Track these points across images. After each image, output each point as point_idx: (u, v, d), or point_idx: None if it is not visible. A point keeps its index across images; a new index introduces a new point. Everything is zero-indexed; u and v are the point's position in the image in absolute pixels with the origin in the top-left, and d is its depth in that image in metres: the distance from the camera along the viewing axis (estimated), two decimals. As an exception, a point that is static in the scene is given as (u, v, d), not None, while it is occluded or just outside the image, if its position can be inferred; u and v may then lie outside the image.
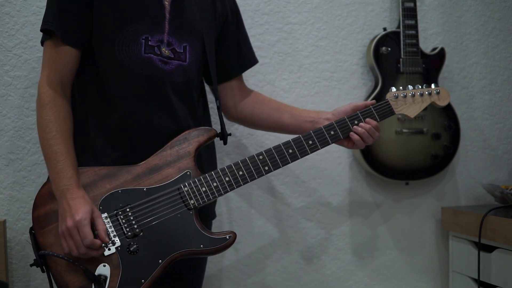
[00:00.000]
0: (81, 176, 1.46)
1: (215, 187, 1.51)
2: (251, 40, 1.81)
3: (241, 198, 2.12)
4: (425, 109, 2.13)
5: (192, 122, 1.59)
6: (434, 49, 2.24)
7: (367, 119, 1.60)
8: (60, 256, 1.40)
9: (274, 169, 1.54)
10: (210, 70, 1.64)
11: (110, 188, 1.47)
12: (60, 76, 1.49)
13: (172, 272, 1.52)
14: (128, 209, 1.46)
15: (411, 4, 2.16)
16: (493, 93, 2.42)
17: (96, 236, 1.41)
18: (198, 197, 1.49)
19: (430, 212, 2.34)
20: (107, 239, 1.42)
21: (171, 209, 1.47)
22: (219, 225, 2.08)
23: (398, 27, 2.17)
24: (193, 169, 1.51)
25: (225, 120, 1.84)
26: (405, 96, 1.65)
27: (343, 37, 2.22)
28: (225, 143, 1.68)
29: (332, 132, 1.58)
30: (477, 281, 2.07)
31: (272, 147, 1.55)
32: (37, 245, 1.45)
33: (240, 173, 1.52)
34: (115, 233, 1.44)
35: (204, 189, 1.50)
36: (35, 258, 1.44)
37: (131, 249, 1.43)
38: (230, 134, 1.69)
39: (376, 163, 2.17)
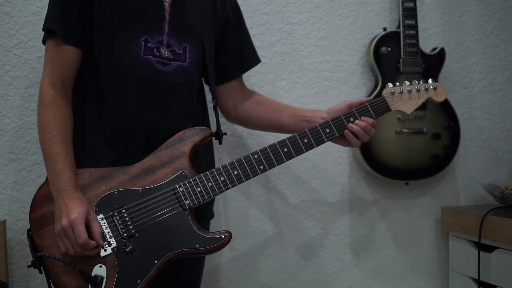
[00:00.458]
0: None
1: (210, 187, 1.50)
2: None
3: (241, 198, 2.12)
4: (425, 109, 2.17)
5: (191, 123, 1.58)
6: (434, 49, 2.24)
7: (363, 117, 1.59)
8: (57, 258, 1.41)
9: (269, 168, 1.54)
10: (208, 70, 1.64)
11: (106, 189, 1.47)
12: (62, 75, 1.49)
13: (170, 271, 1.53)
14: (123, 210, 1.46)
15: (411, 4, 2.16)
16: (493, 93, 2.42)
17: (91, 238, 1.41)
18: (194, 197, 1.49)
19: (430, 212, 2.34)
20: (101, 242, 1.42)
21: (166, 210, 1.48)
22: (219, 225, 2.08)
23: (398, 27, 2.17)
24: (188, 169, 1.51)
25: (225, 120, 1.85)
26: (401, 92, 1.64)
27: (343, 37, 2.22)
28: (220, 142, 1.68)
29: (327, 130, 1.58)
30: (477, 281, 2.07)
31: (267, 146, 1.55)
32: (34, 247, 1.45)
33: (235, 172, 1.52)
34: (111, 234, 1.44)
35: (199, 189, 1.50)
36: (32, 259, 1.45)
37: (127, 249, 1.44)
38: (225, 134, 1.69)
39: (376, 163, 2.17)
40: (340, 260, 2.24)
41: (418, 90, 1.65)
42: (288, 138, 1.56)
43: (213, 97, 1.67)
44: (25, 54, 1.86)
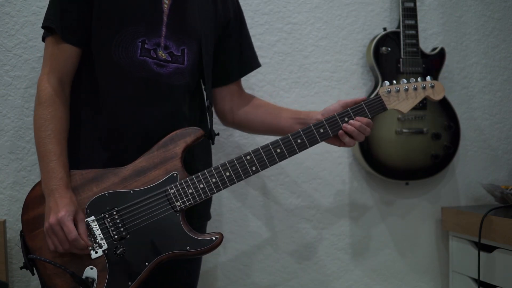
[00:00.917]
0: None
1: (201, 188, 1.49)
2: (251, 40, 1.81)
3: (241, 198, 2.12)
4: (425, 109, 2.17)
5: (188, 125, 1.57)
6: (434, 49, 2.24)
7: (358, 117, 1.56)
8: (47, 260, 1.41)
9: (262, 169, 1.52)
10: (205, 71, 1.62)
11: (97, 191, 1.47)
12: (60, 73, 1.50)
13: (166, 272, 1.53)
14: (115, 212, 1.46)
15: (411, 4, 2.16)
16: (493, 93, 2.42)
17: None
18: (185, 199, 1.48)
19: (430, 212, 2.34)
20: (89, 243, 1.42)
21: (157, 212, 1.47)
22: (219, 225, 2.08)
23: (398, 27, 2.17)
24: (180, 171, 1.50)
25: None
26: (398, 91, 1.60)
27: (343, 37, 2.22)
28: (212, 143, 1.67)
29: (321, 130, 1.55)
30: (477, 281, 2.07)
31: (260, 146, 1.53)
32: (26, 248, 1.46)
33: (227, 174, 1.51)
34: (102, 236, 1.44)
35: (190, 190, 1.49)
36: (24, 261, 1.45)
37: (118, 252, 1.44)
38: (218, 134, 1.67)
39: (376, 163, 2.17)
40: (340, 260, 2.23)
41: (415, 89, 1.61)
42: (282, 139, 1.54)
43: (207, 97, 1.66)
44: (25, 54, 1.86)
